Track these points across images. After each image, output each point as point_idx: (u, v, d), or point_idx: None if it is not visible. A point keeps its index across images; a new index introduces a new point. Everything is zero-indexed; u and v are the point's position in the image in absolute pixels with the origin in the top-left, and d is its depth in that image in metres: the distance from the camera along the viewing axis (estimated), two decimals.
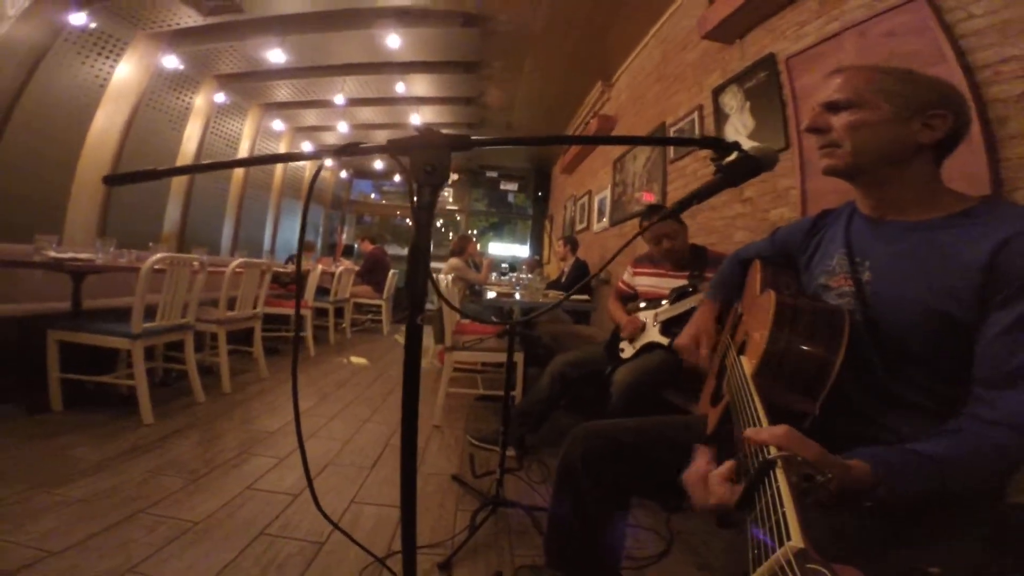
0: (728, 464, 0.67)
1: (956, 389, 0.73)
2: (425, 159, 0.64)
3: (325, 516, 0.84)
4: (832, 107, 0.86)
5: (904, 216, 0.85)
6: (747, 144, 0.71)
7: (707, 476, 0.70)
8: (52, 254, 2.14)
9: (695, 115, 3.00)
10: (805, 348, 0.76)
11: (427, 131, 0.66)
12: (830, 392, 0.72)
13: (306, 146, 7.72)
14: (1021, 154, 1.39)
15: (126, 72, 4.35)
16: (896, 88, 0.81)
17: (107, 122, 4.26)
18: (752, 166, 0.70)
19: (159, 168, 0.70)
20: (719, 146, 0.72)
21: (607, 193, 4.81)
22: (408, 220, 9.75)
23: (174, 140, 5.17)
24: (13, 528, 1.35)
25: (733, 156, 0.71)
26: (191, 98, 5.27)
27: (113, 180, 0.73)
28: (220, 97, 5.54)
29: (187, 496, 1.65)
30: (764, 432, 0.58)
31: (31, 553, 1.25)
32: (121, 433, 2.09)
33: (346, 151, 0.73)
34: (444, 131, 0.66)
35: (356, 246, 7.69)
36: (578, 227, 5.96)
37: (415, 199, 0.67)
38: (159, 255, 2.19)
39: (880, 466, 0.61)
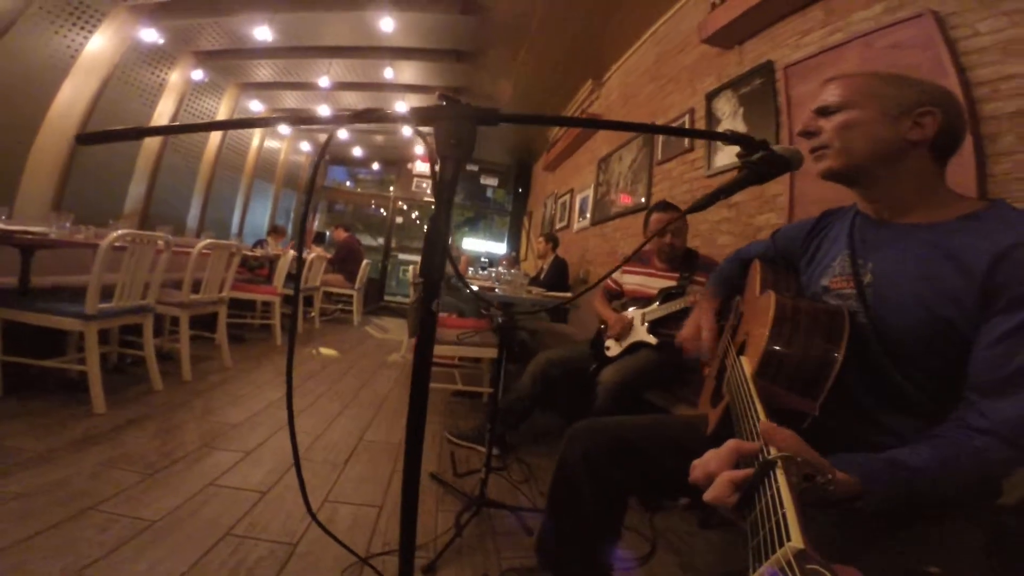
0: (744, 472, 0.64)
1: (956, 392, 0.73)
2: (449, 131, 0.60)
3: (311, 513, 0.76)
4: (823, 111, 0.88)
5: (908, 218, 0.85)
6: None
7: (718, 471, 0.67)
8: (1, 226, 1.92)
9: (686, 118, 3.01)
10: (805, 348, 0.76)
11: (453, 101, 0.61)
12: (830, 392, 0.72)
13: (283, 129, 7.42)
14: (1007, 170, 1.43)
15: (100, 44, 4.08)
16: (884, 90, 0.83)
17: (73, 94, 3.99)
18: (779, 165, 0.69)
19: (143, 127, 0.62)
20: (748, 143, 0.70)
21: (590, 192, 4.80)
22: (382, 210, 9.56)
23: (144, 116, 4.88)
24: None
25: (760, 154, 0.69)
26: (166, 74, 5.00)
27: (86, 139, 0.63)
28: (197, 74, 5.25)
29: (143, 492, 1.51)
30: (777, 432, 0.58)
31: None
32: (69, 422, 1.91)
33: (364, 116, 0.66)
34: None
35: (328, 233, 7.47)
36: (558, 225, 5.95)
37: (437, 174, 0.62)
38: (120, 231, 2.01)
39: (865, 478, 0.61)
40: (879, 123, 0.81)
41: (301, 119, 0.67)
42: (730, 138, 0.71)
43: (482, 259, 7.77)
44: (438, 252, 0.63)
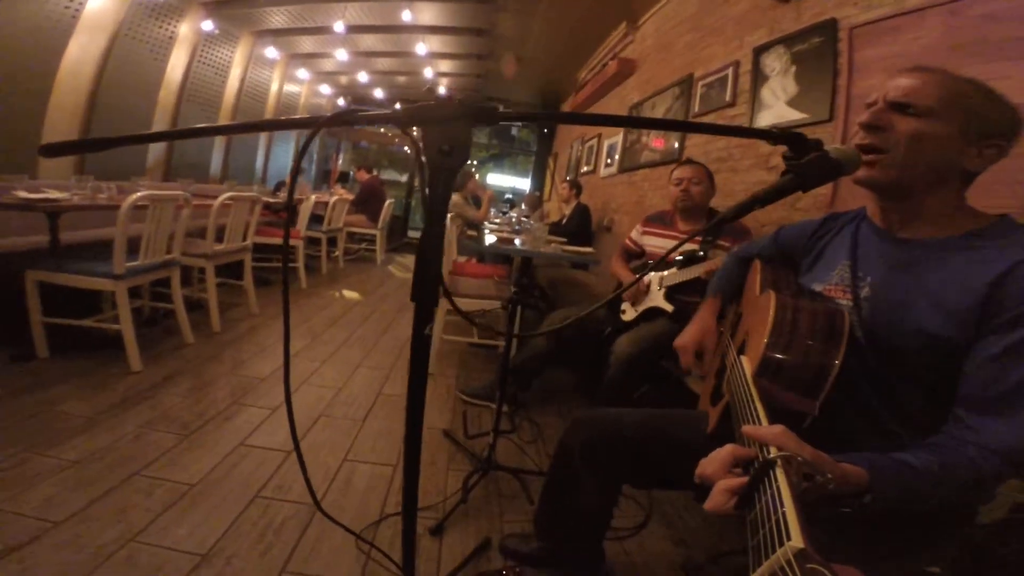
0: (739, 481, 0.64)
1: (951, 404, 0.72)
2: (441, 135, 0.51)
3: (317, 504, 0.81)
4: (901, 108, 0.76)
5: (916, 234, 0.82)
6: (826, 143, 0.60)
7: (714, 478, 0.67)
8: (23, 195, 1.97)
9: (729, 71, 2.75)
10: (805, 348, 0.76)
11: (444, 99, 0.54)
12: (830, 392, 0.72)
13: (302, 73, 7.20)
14: None
15: (101, 1, 3.97)
16: (977, 107, 0.74)
17: (81, 53, 3.95)
18: (830, 169, 0.59)
19: (112, 137, 0.54)
20: (797, 143, 0.60)
21: (619, 138, 4.56)
22: (407, 148, 9.44)
23: (157, 70, 4.85)
24: (12, 496, 1.32)
25: (811, 156, 0.59)
26: (175, 27, 4.87)
27: (51, 151, 0.59)
28: (207, 25, 5.11)
29: (181, 454, 1.64)
30: (762, 430, 0.58)
31: (35, 524, 1.24)
32: (110, 382, 2.05)
33: (342, 119, 0.60)
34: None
35: (352, 174, 7.43)
36: (584, 169, 5.74)
37: (427, 189, 0.54)
38: (139, 193, 2.04)
39: (875, 473, 0.61)
40: (954, 143, 0.74)
41: (284, 123, 0.60)
42: (778, 136, 0.60)
43: (506, 195, 7.60)
44: (431, 274, 0.58)
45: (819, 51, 2.08)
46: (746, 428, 0.60)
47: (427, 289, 0.59)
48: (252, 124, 0.62)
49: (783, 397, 0.73)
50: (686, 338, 1.19)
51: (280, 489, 1.54)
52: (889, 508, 0.63)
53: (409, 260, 7.01)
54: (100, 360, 2.21)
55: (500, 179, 9.91)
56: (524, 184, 9.44)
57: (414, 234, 8.96)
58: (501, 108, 0.55)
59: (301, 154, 0.75)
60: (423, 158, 0.54)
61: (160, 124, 4.99)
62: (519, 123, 8.79)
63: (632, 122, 0.70)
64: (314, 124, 0.61)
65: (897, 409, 0.79)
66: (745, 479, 0.54)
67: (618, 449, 1.08)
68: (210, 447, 1.71)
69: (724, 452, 0.61)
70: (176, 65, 5.04)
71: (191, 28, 5.05)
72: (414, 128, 0.55)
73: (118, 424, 1.75)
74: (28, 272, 2.03)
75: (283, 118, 0.64)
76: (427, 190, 0.55)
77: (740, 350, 0.93)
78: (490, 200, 4.79)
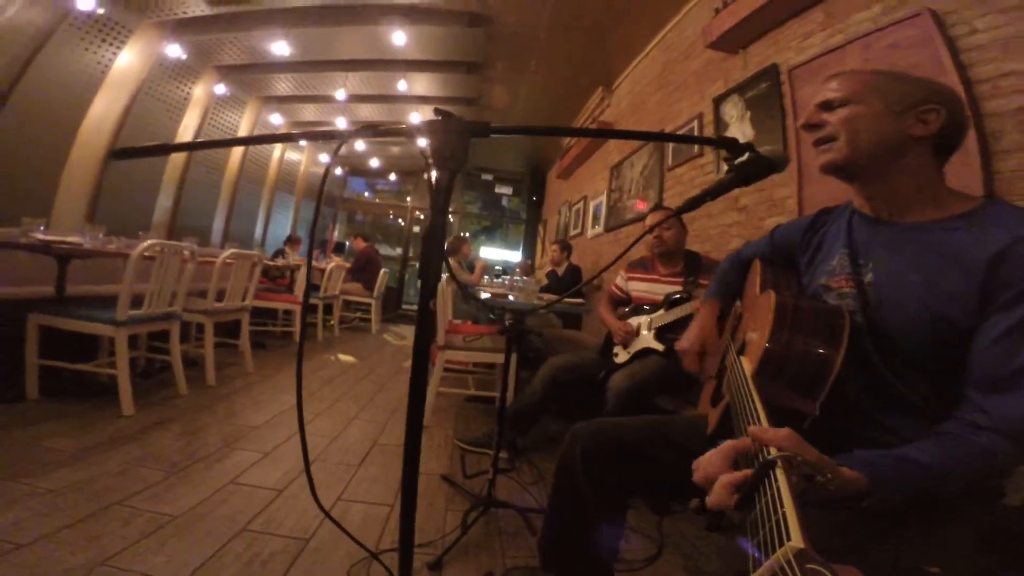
0: (743, 473, 0.64)
1: (948, 392, 0.73)
2: (444, 144, 0.65)
3: (320, 507, 0.80)
4: (827, 106, 0.88)
5: (905, 217, 0.85)
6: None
7: (716, 474, 0.68)
8: (39, 236, 2.06)
9: (695, 123, 3.03)
10: (805, 348, 0.76)
11: (447, 116, 0.66)
12: (830, 392, 0.72)
13: (302, 143, 7.66)
14: (1014, 168, 1.43)
15: (128, 60, 4.32)
16: (888, 86, 0.84)
17: (105, 109, 4.22)
18: (764, 166, 0.71)
19: (169, 143, 0.68)
20: (733, 146, 0.74)
21: (603, 199, 4.82)
22: (400, 220, 9.70)
23: (171, 130, 5.12)
24: None
25: (746, 156, 0.72)
26: (190, 88, 5.23)
27: (121, 154, 0.70)
28: (220, 88, 5.50)
29: (166, 489, 1.58)
30: (768, 432, 0.58)
31: None
32: (99, 423, 2.01)
33: (365, 132, 0.72)
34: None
35: (348, 243, 7.63)
36: (572, 233, 5.97)
37: (433, 182, 0.67)
38: (149, 241, 2.13)
39: (874, 476, 0.61)
40: (884, 117, 0.82)
41: (312, 134, 0.73)
42: (715, 142, 0.74)
43: (496, 267, 7.79)
44: (435, 255, 0.68)
45: (767, 95, 2.33)
46: (753, 428, 0.60)
47: (431, 269, 0.69)
48: (285, 135, 0.76)
49: (783, 397, 0.73)
50: (688, 340, 1.19)
51: (269, 524, 1.48)
52: (893, 507, 0.63)
53: (404, 330, 7.00)
54: (91, 404, 2.18)
55: (491, 252, 10.17)
56: (515, 257, 9.69)
57: (408, 306, 9.00)
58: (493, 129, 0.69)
59: (327, 172, 0.85)
60: (429, 160, 0.67)
61: (169, 184, 5.22)
62: (509, 192, 9.20)
63: (612, 134, 0.82)
64: (339, 136, 0.75)
65: (900, 404, 0.78)
66: (746, 473, 0.54)
67: (619, 457, 1.05)
68: (197, 483, 1.65)
69: (724, 447, 0.62)
70: (188, 126, 5.32)
71: (205, 91, 5.40)
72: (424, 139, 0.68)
73: (103, 460, 1.71)
74: (31, 315, 2.06)
75: (311, 131, 0.75)
76: (434, 185, 0.67)
77: (740, 351, 0.93)
78: (482, 269, 4.99)
